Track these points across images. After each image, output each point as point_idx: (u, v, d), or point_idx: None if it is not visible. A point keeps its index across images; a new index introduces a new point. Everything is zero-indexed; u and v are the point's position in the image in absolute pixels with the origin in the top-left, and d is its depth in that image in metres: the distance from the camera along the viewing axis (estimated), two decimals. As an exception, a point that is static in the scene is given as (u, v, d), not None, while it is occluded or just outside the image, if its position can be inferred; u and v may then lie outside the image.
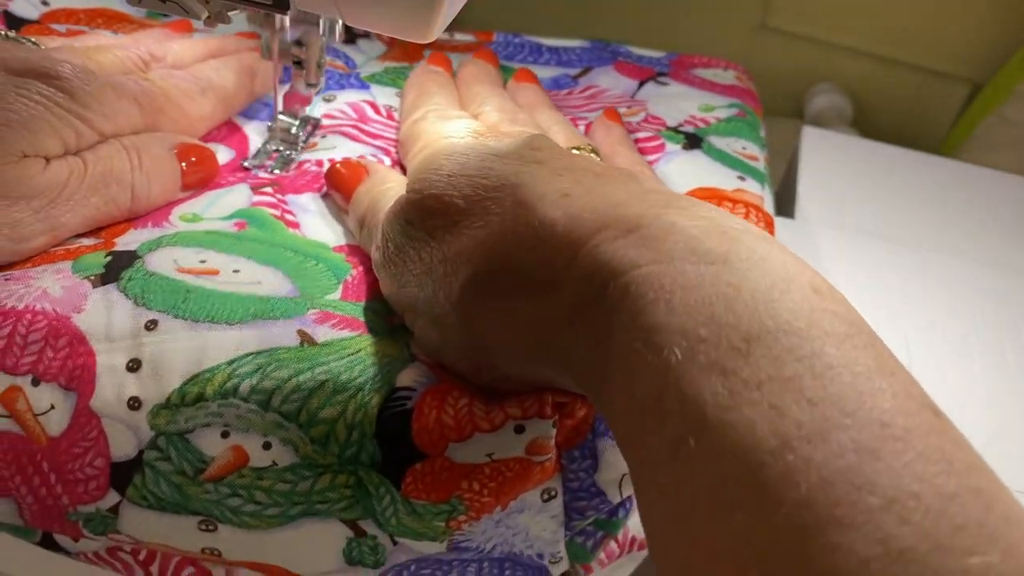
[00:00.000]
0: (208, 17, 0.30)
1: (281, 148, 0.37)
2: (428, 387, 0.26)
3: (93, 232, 0.31)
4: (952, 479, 0.15)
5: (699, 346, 0.18)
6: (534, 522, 0.27)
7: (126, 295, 0.28)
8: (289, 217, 0.33)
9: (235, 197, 0.34)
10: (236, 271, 0.29)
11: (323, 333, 0.27)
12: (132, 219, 0.32)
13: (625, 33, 0.66)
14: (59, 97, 0.29)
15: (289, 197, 0.34)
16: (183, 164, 0.33)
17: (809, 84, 0.65)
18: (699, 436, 0.17)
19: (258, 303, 0.28)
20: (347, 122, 0.39)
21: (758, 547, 0.16)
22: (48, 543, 0.30)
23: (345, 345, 0.27)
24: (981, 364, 0.41)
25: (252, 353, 0.26)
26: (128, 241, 0.31)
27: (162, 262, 0.29)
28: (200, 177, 0.34)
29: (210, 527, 0.27)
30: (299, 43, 0.36)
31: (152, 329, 0.27)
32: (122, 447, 0.26)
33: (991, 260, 0.48)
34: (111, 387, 0.26)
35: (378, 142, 0.38)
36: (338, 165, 0.34)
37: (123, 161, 0.31)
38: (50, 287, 0.28)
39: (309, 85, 0.37)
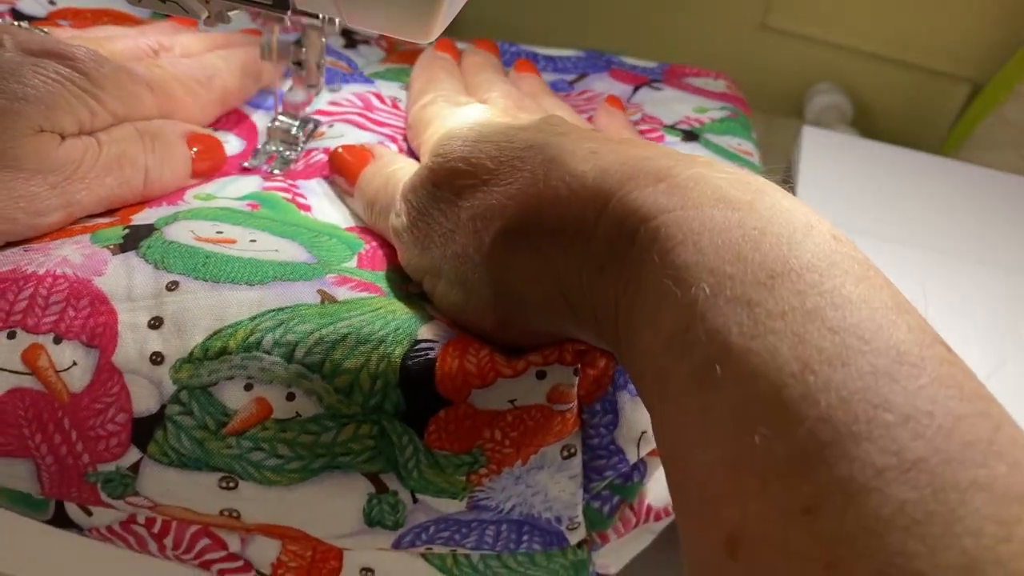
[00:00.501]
0: (208, 17, 0.30)
1: (280, 149, 0.37)
2: (449, 339, 0.26)
3: (107, 212, 0.32)
4: (963, 403, 0.16)
5: (726, 282, 0.19)
6: (553, 482, 0.27)
7: (146, 260, 0.28)
8: (300, 200, 0.34)
9: (246, 183, 0.35)
10: (253, 240, 0.30)
11: (343, 294, 0.28)
12: (145, 202, 0.33)
13: (625, 33, 0.66)
14: (75, 76, 0.30)
15: (299, 181, 0.35)
16: (193, 151, 0.34)
17: (809, 84, 0.65)
18: (725, 362, 0.18)
19: (277, 267, 0.28)
20: (353, 110, 0.40)
21: (780, 460, 0.16)
22: (60, 519, 0.30)
23: (365, 303, 0.28)
24: (981, 364, 0.41)
25: (274, 310, 0.27)
26: (144, 217, 0.31)
27: (179, 232, 0.30)
28: (209, 165, 0.35)
29: (231, 484, 0.26)
30: (299, 43, 0.36)
31: (173, 289, 0.27)
32: (144, 402, 0.26)
33: (991, 260, 0.47)
34: (133, 343, 0.26)
35: (385, 130, 0.39)
36: (340, 150, 0.34)
37: (136, 144, 0.31)
38: (70, 255, 0.28)
39: (309, 86, 0.37)
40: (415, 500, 0.27)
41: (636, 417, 0.28)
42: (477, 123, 0.29)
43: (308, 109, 0.39)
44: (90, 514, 0.30)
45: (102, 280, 0.27)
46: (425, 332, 0.27)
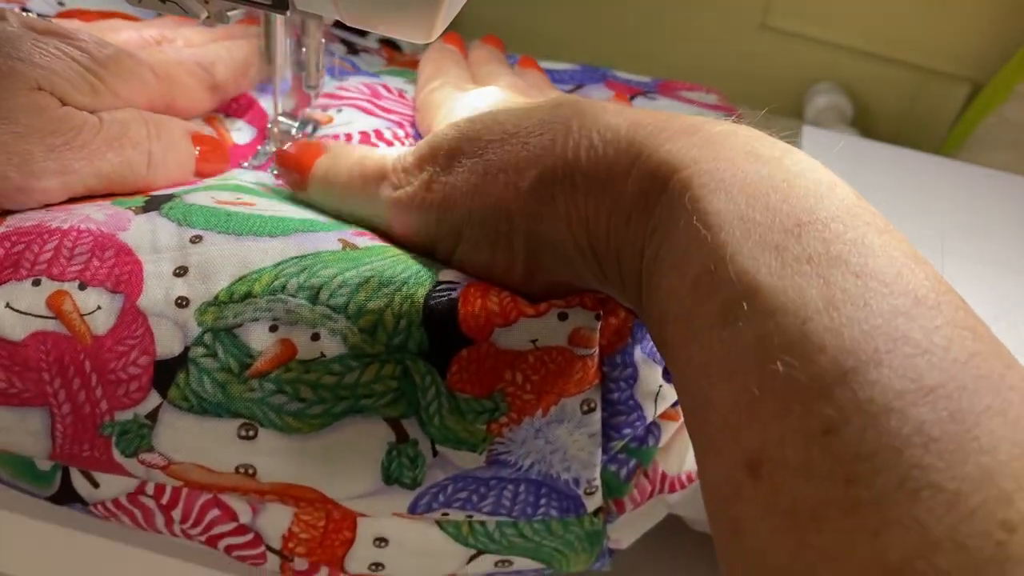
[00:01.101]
0: (208, 17, 0.30)
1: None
2: (470, 282, 0.27)
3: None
4: (976, 343, 0.17)
5: (755, 228, 0.20)
6: (572, 439, 0.27)
7: (168, 218, 0.29)
8: None
9: (258, 175, 0.35)
10: (272, 204, 0.31)
11: (363, 242, 0.28)
12: (154, 189, 0.32)
13: (625, 32, 0.66)
14: (76, 53, 0.30)
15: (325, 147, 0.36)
16: (197, 150, 0.34)
17: (809, 84, 0.65)
18: (751, 299, 0.19)
19: (298, 222, 0.29)
20: (361, 97, 0.40)
21: (802, 385, 0.17)
22: (65, 494, 0.30)
23: (386, 249, 0.28)
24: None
25: (296, 257, 0.27)
26: (162, 191, 0.32)
27: (200, 198, 0.30)
28: (213, 166, 0.34)
29: (250, 433, 0.26)
30: (299, 44, 0.36)
31: (197, 242, 0.28)
32: (168, 344, 0.26)
33: (991, 260, 0.47)
34: (159, 288, 0.26)
35: (392, 116, 0.39)
36: (287, 147, 0.34)
37: (140, 127, 0.31)
38: (92, 213, 0.29)
39: (309, 87, 0.37)
40: (435, 453, 0.27)
41: (650, 374, 0.28)
42: (498, 98, 0.30)
43: (309, 106, 0.39)
44: (97, 486, 0.29)
45: (126, 234, 0.28)
46: (446, 275, 0.27)
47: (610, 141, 0.25)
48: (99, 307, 0.26)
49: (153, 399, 0.26)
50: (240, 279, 0.27)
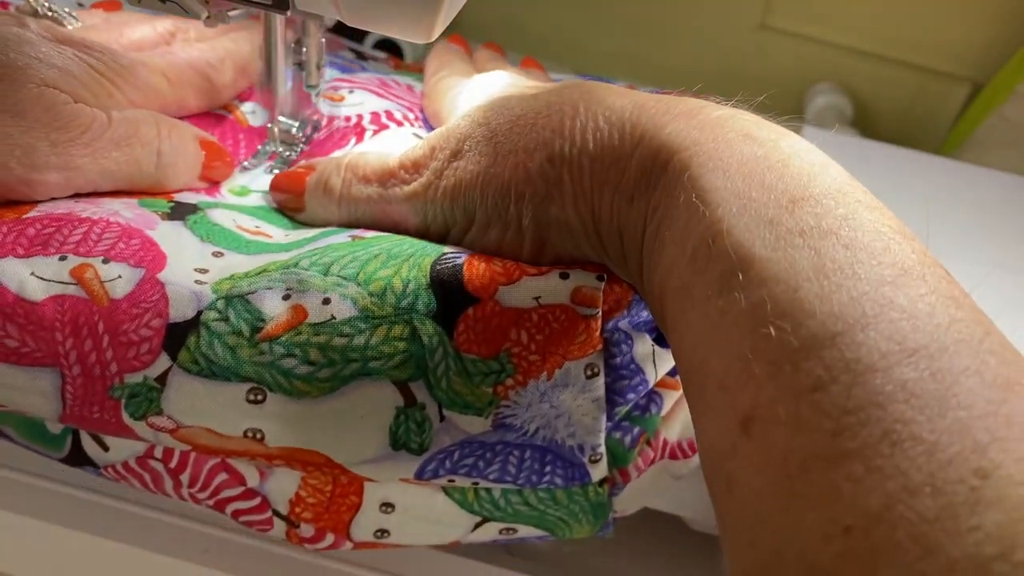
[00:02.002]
0: (208, 17, 0.30)
1: (280, 149, 0.37)
2: (474, 252, 0.28)
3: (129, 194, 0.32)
4: (959, 311, 0.19)
5: (751, 204, 0.21)
6: (576, 405, 0.28)
7: (193, 232, 0.30)
8: None
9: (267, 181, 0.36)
10: (287, 235, 0.32)
11: (372, 234, 0.30)
12: (161, 192, 0.33)
13: (625, 32, 0.66)
14: (93, 61, 0.30)
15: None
16: (203, 154, 0.34)
17: (809, 84, 0.65)
18: (746, 270, 0.20)
19: (311, 237, 0.31)
20: (370, 82, 0.41)
21: (793, 348, 0.18)
22: (75, 456, 0.30)
23: (392, 236, 0.30)
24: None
25: (310, 251, 0.29)
26: (186, 197, 0.33)
27: (223, 218, 0.31)
28: (217, 172, 0.35)
29: (259, 397, 0.26)
30: (299, 44, 0.36)
31: (219, 256, 0.29)
32: (181, 309, 0.27)
33: (991, 260, 0.47)
34: (179, 267, 0.28)
35: (402, 102, 0.40)
36: (277, 173, 0.35)
37: (150, 127, 0.32)
38: (121, 209, 0.29)
39: (309, 87, 0.37)
40: (442, 418, 0.27)
41: (642, 339, 0.29)
42: (506, 81, 0.32)
43: (309, 106, 0.39)
44: (107, 449, 0.29)
45: (153, 232, 0.29)
46: (451, 249, 0.29)
47: (615, 123, 0.26)
48: (120, 276, 0.27)
49: (163, 362, 0.26)
50: (257, 268, 0.28)
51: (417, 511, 0.30)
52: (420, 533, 0.31)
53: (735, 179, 0.22)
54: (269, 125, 0.38)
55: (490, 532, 0.31)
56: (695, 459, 0.31)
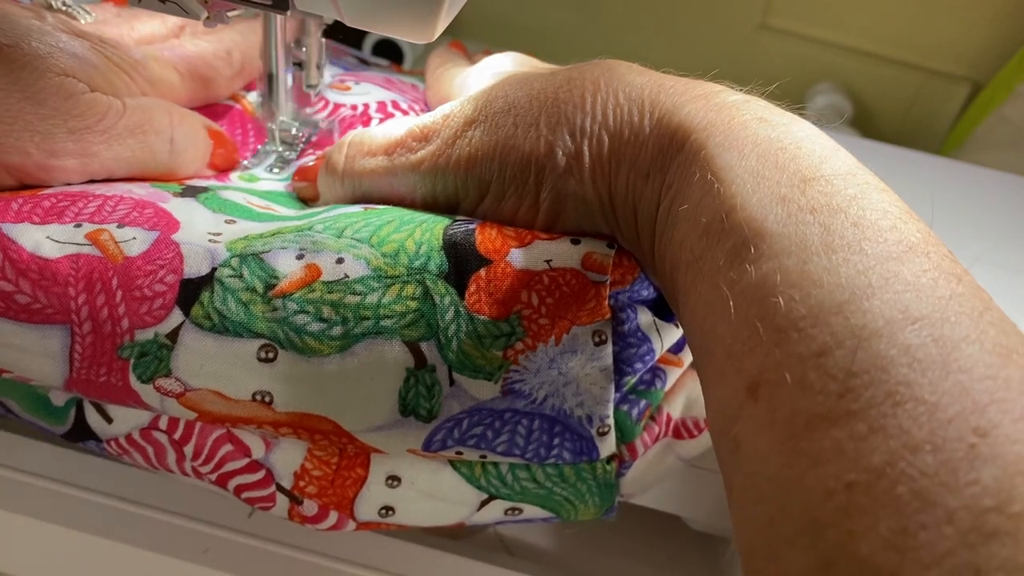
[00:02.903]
0: (207, 17, 0.30)
1: (280, 149, 0.37)
2: (485, 221, 0.29)
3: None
4: (960, 286, 0.19)
5: (763, 181, 0.22)
6: (584, 374, 0.28)
7: (205, 206, 0.30)
8: None
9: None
10: (298, 212, 0.33)
11: (383, 206, 0.30)
12: (173, 179, 0.34)
13: (625, 32, 0.66)
14: (108, 52, 0.31)
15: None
16: (212, 143, 0.35)
17: (809, 84, 0.65)
18: (758, 243, 0.21)
19: (323, 210, 0.31)
20: (375, 78, 0.42)
21: (800, 315, 0.19)
22: (78, 430, 0.30)
23: (402, 207, 0.30)
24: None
25: (322, 218, 0.29)
26: (197, 181, 0.34)
27: (233, 195, 0.32)
28: (223, 161, 0.36)
29: (270, 355, 0.26)
30: (299, 44, 0.36)
31: (231, 223, 0.29)
32: (196, 265, 0.27)
33: (991, 260, 0.48)
34: (193, 230, 0.28)
35: (407, 95, 0.41)
36: (299, 168, 0.36)
37: (162, 116, 0.32)
38: (134, 188, 0.30)
39: (309, 86, 0.37)
40: (452, 382, 0.27)
41: (645, 311, 0.29)
42: (516, 58, 0.32)
43: (309, 105, 0.39)
44: (110, 421, 0.29)
45: (166, 204, 0.30)
46: (462, 218, 0.29)
47: (634, 100, 0.26)
48: (134, 238, 0.28)
49: (175, 317, 0.26)
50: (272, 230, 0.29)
51: (423, 485, 0.30)
52: (425, 512, 0.30)
53: (749, 158, 0.23)
54: (269, 125, 0.38)
55: (495, 512, 0.30)
56: (700, 439, 0.31)
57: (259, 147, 0.38)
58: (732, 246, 0.21)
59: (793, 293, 0.19)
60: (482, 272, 0.27)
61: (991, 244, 0.49)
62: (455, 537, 0.41)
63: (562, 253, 0.27)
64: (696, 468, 0.36)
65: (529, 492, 0.30)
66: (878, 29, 0.62)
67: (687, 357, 0.31)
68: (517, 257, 0.27)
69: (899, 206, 0.21)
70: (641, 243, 0.27)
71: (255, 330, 0.26)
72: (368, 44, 0.59)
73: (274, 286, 0.26)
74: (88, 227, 0.28)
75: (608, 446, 0.29)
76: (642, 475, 0.31)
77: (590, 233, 0.28)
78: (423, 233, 0.28)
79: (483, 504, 0.30)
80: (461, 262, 0.27)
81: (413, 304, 0.26)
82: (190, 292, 0.26)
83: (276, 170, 0.36)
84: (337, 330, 0.26)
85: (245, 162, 0.37)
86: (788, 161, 0.22)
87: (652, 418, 0.30)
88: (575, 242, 0.28)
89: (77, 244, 0.27)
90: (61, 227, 0.28)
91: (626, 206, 0.27)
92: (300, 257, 0.27)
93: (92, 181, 0.31)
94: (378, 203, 0.32)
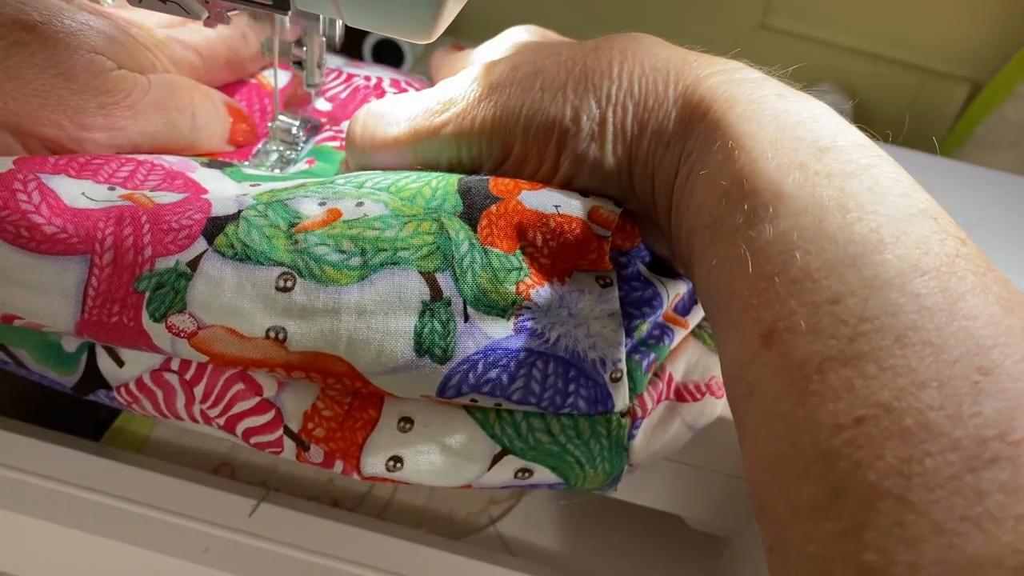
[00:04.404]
0: (208, 17, 0.30)
1: (281, 148, 0.37)
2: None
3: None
4: (965, 247, 0.21)
5: (782, 149, 0.23)
6: (594, 317, 0.29)
7: (231, 178, 0.32)
8: None
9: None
10: None
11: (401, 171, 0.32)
12: (194, 154, 0.35)
13: (624, 31, 0.66)
14: (133, 32, 0.33)
15: (344, 126, 0.39)
16: (231, 120, 0.37)
17: (809, 84, 0.65)
18: (776, 204, 0.22)
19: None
20: (382, 69, 0.43)
21: (814, 267, 0.20)
22: (89, 379, 0.30)
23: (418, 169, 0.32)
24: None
25: (343, 176, 0.31)
26: (220, 159, 0.36)
27: (257, 171, 0.34)
28: (244, 138, 0.37)
29: (288, 283, 0.27)
30: (299, 43, 0.36)
31: (257, 186, 0.31)
32: (223, 208, 0.28)
33: (991, 260, 0.47)
34: (222, 194, 0.30)
35: (415, 84, 0.42)
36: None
37: (185, 92, 0.34)
38: (165, 156, 0.33)
39: (309, 85, 0.37)
40: (466, 318, 0.27)
41: (642, 267, 0.31)
42: (542, 32, 0.34)
43: (309, 104, 0.39)
44: (122, 364, 0.29)
45: (194, 174, 0.32)
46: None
47: (659, 71, 0.28)
48: (166, 195, 0.30)
49: (199, 246, 0.27)
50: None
51: (436, 430, 0.29)
52: (434, 466, 0.29)
53: (768, 128, 0.24)
54: (269, 124, 0.38)
55: (505, 473, 0.30)
56: (703, 403, 0.32)
57: (259, 147, 0.38)
58: (751, 207, 0.23)
59: (809, 248, 0.21)
60: (492, 208, 0.28)
61: (991, 244, 0.49)
62: (455, 537, 0.41)
63: (571, 202, 0.29)
64: (696, 468, 0.36)
65: (542, 448, 0.29)
66: (878, 29, 0.62)
67: (693, 319, 0.32)
68: (527, 197, 0.29)
69: (908, 178, 0.23)
70: (657, 209, 0.28)
71: (275, 258, 0.27)
72: (368, 44, 0.59)
73: (297, 224, 0.28)
74: (121, 191, 0.30)
75: (622, 397, 0.29)
76: (650, 440, 0.31)
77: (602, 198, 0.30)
78: (439, 181, 0.29)
79: (494, 461, 0.30)
80: (474, 202, 0.29)
81: (429, 238, 0.28)
82: (216, 225, 0.28)
83: (277, 171, 0.36)
84: (355, 260, 0.27)
85: (245, 162, 0.37)
86: (806, 132, 0.24)
87: (657, 374, 0.31)
88: (585, 194, 0.29)
89: (111, 201, 0.29)
90: (96, 186, 0.29)
91: (644, 172, 0.28)
92: (322, 204, 0.28)
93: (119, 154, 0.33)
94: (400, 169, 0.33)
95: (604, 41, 0.29)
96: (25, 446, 0.36)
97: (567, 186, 0.30)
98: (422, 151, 0.31)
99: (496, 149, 0.30)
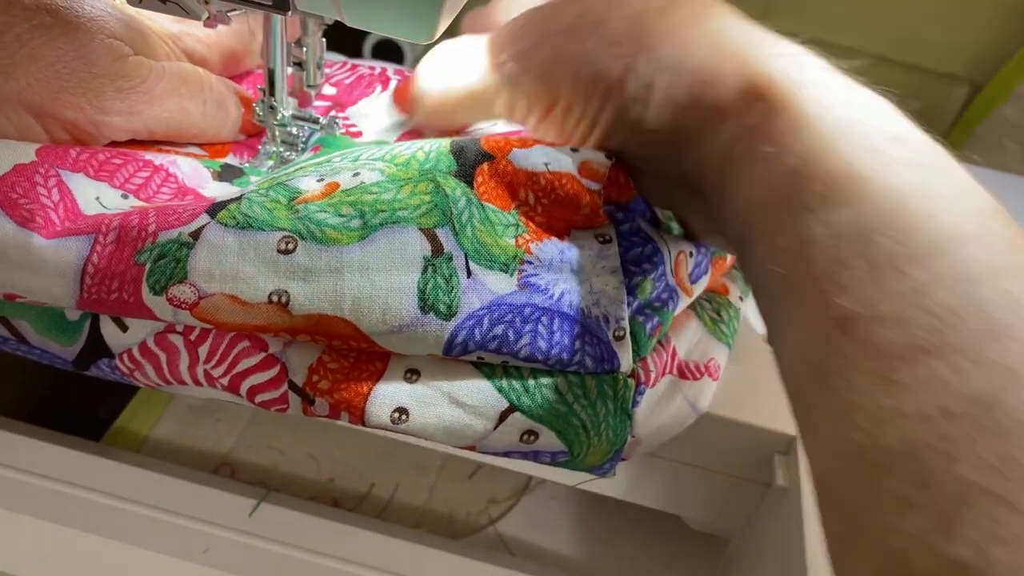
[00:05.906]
0: (208, 18, 0.30)
1: (281, 149, 0.37)
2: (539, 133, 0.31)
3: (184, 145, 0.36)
4: (986, 203, 0.21)
5: (857, 134, 0.23)
6: (595, 274, 0.29)
7: (241, 188, 0.32)
8: (352, 129, 0.39)
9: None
10: None
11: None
12: (206, 141, 0.36)
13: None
14: (148, 22, 0.34)
15: (349, 111, 0.40)
16: (242, 109, 0.38)
17: (809, 84, 0.65)
18: (853, 186, 0.22)
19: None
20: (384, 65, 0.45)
21: (899, 254, 0.20)
22: (92, 346, 0.30)
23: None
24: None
25: (340, 153, 0.32)
26: (233, 160, 0.37)
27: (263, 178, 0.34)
28: (253, 125, 0.38)
29: (289, 246, 0.27)
30: (299, 43, 0.36)
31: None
32: (227, 196, 0.29)
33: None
34: (226, 195, 0.30)
35: None
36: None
37: (198, 81, 0.35)
38: (180, 160, 0.33)
39: (309, 86, 0.37)
40: (469, 273, 0.27)
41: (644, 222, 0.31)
42: None
43: (309, 104, 0.39)
44: (125, 329, 0.29)
45: (204, 190, 0.32)
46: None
47: (725, 42, 0.27)
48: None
49: (202, 220, 0.28)
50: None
51: (443, 381, 0.29)
52: (441, 420, 0.29)
53: (838, 111, 0.24)
54: (270, 123, 0.38)
55: (511, 434, 0.29)
56: (703, 382, 0.33)
57: (259, 148, 0.38)
58: (824, 187, 0.22)
59: (893, 234, 0.20)
60: (485, 165, 0.29)
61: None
62: (455, 537, 0.41)
63: (560, 158, 0.29)
64: (696, 468, 0.36)
65: (548, 407, 0.29)
66: (878, 29, 0.62)
67: (697, 288, 0.32)
68: (518, 156, 0.29)
69: (955, 164, 0.23)
70: (704, 179, 0.27)
71: (277, 225, 0.27)
72: (368, 44, 0.59)
73: (297, 198, 0.28)
74: (133, 200, 0.31)
75: (626, 356, 0.29)
76: (652, 414, 0.31)
77: (635, 160, 0.30)
78: (432, 145, 0.30)
79: (501, 419, 0.29)
80: (467, 159, 0.29)
81: (427, 197, 0.28)
82: (219, 205, 0.28)
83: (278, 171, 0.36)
84: (356, 222, 0.27)
85: (246, 164, 0.37)
86: (879, 120, 0.23)
87: (661, 344, 0.31)
88: (574, 150, 0.29)
89: (122, 210, 0.29)
90: (112, 190, 0.30)
91: (690, 140, 0.27)
92: (321, 180, 0.29)
93: (133, 141, 0.33)
94: (453, 131, 0.35)
95: (675, 3, 0.29)
96: (25, 446, 0.36)
97: (605, 142, 0.29)
98: (480, 94, 0.32)
99: (544, 96, 0.30)
